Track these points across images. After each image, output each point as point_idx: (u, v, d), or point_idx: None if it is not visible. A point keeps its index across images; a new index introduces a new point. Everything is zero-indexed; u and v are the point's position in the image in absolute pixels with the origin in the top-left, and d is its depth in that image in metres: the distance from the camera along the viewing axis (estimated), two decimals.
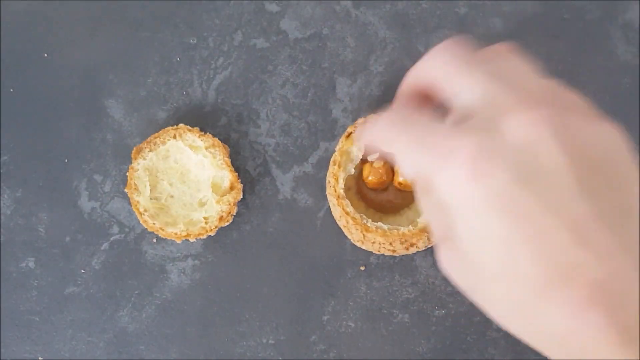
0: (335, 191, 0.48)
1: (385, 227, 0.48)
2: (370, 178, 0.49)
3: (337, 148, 0.49)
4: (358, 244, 0.49)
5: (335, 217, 0.50)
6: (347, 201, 0.48)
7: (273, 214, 0.52)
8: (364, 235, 0.48)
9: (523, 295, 0.26)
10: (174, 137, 0.50)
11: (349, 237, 0.49)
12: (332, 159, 0.49)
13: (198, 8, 0.53)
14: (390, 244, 0.48)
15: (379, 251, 0.49)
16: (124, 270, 0.52)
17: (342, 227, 0.49)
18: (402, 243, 0.48)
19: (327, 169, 0.52)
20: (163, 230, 0.49)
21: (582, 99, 0.30)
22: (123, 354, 0.52)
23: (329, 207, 0.52)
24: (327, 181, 0.50)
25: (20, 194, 0.53)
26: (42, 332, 0.52)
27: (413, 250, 0.48)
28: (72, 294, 0.52)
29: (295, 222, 0.52)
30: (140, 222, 0.49)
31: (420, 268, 0.52)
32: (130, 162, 0.52)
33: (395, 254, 0.49)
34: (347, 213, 0.48)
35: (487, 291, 0.28)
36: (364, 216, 0.48)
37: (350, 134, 0.49)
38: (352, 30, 0.53)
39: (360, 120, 0.49)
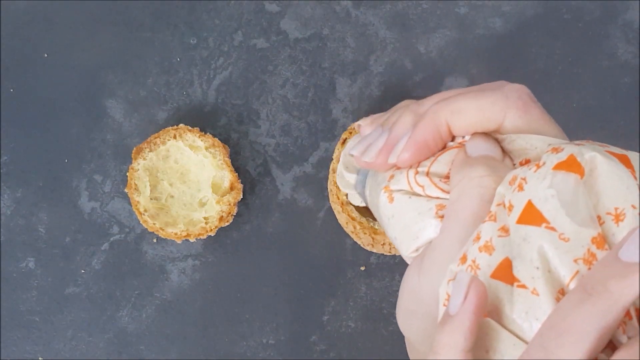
0: (339, 198, 0.48)
1: None
2: None
3: (334, 155, 0.49)
4: (368, 248, 0.49)
5: (341, 224, 0.49)
6: (352, 207, 0.48)
7: (273, 214, 0.52)
8: (373, 238, 0.48)
9: None
10: (174, 137, 0.50)
11: (358, 242, 0.49)
12: (330, 167, 0.49)
13: (198, 8, 0.53)
14: None
15: (389, 252, 0.48)
16: (124, 270, 0.52)
17: (349, 233, 0.49)
18: None
19: (327, 169, 0.52)
20: (163, 230, 0.49)
21: None
22: (123, 354, 0.52)
23: (329, 207, 0.52)
24: (328, 190, 0.50)
25: (20, 194, 0.53)
26: (42, 332, 0.52)
27: None
28: (72, 294, 0.52)
29: (295, 222, 0.52)
30: (140, 222, 0.49)
31: None
32: (130, 162, 0.52)
33: None
34: (354, 219, 0.48)
35: None
36: (370, 219, 0.48)
37: (345, 140, 0.49)
38: (352, 30, 0.53)
39: (355, 124, 0.49)
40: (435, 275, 0.26)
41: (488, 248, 0.24)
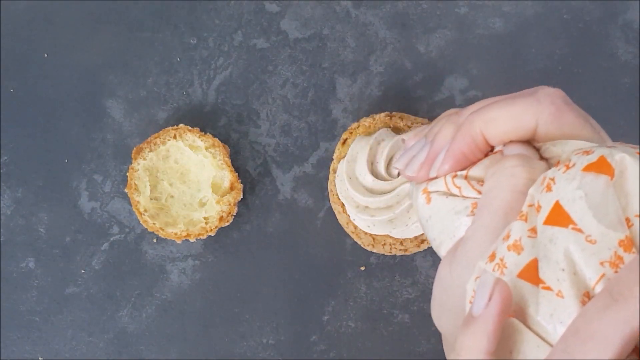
0: (339, 199, 0.48)
1: None
2: None
3: (334, 156, 0.49)
4: (368, 248, 0.49)
5: (342, 224, 0.49)
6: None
7: (273, 214, 0.52)
8: (373, 238, 0.48)
9: None
10: (174, 137, 0.50)
11: (358, 242, 0.49)
12: (330, 167, 0.49)
13: (198, 8, 0.53)
14: (401, 243, 0.48)
15: (390, 252, 0.48)
16: (124, 270, 0.52)
17: (350, 233, 0.49)
18: (412, 241, 0.48)
19: (327, 169, 0.52)
20: (163, 230, 0.49)
21: None
22: (123, 354, 0.52)
23: (329, 207, 0.52)
24: (328, 190, 0.50)
25: (20, 194, 0.53)
26: (42, 332, 0.52)
27: (424, 246, 0.48)
28: (72, 294, 0.52)
29: (295, 222, 0.52)
30: (140, 222, 0.49)
31: (420, 268, 0.52)
32: (130, 162, 0.52)
33: (406, 253, 0.48)
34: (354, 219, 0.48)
35: None
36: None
37: (345, 140, 0.49)
38: (352, 30, 0.53)
39: (354, 125, 0.49)
40: (465, 268, 0.26)
41: (517, 247, 0.23)
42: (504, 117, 0.27)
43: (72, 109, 0.53)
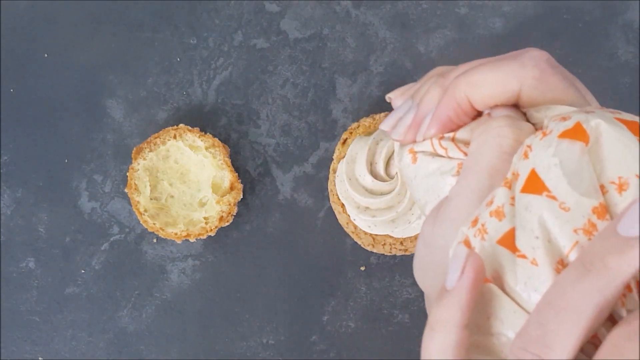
0: (339, 199, 0.48)
1: None
2: None
3: (334, 156, 0.49)
4: (368, 248, 0.49)
5: (342, 224, 0.49)
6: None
7: (273, 214, 0.52)
8: (373, 238, 0.48)
9: None
10: (174, 137, 0.50)
11: (358, 242, 0.49)
12: (330, 167, 0.49)
13: (198, 8, 0.53)
14: (401, 242, 0.48)
15: (390, 252, 0.48)
16: (124, 270, 0.52)
17: (350, 233, 0.49)
18: (412, 241, 0.47)
19: (327, 169, 0.52)
20: (163, 230, 0.49)
21: None
22: (123, 354, 0.52)
23: (329, 207, 0.52)
24: (328, 190, 0.50)
25: (20, 194, 0.53)
26: (42, 332, 0.52)
27: None
28: (72, 294, 0.52)
29: (295, 222, 0.52)
30: (140, 222, 0.49)
31: None
32: (130, 162, 0.52)
33: (406, 253, 0.48)
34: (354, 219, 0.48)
35: None
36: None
37: (345, 140, 0.49)
38: (352, 31, 0.53)
39: (354, 125, 0.49)
40: (449, 227, 0.26)
41: (499, 214, 0.23)
42: (488, 81, 0.26)
43: (72, 109, 0.53)
